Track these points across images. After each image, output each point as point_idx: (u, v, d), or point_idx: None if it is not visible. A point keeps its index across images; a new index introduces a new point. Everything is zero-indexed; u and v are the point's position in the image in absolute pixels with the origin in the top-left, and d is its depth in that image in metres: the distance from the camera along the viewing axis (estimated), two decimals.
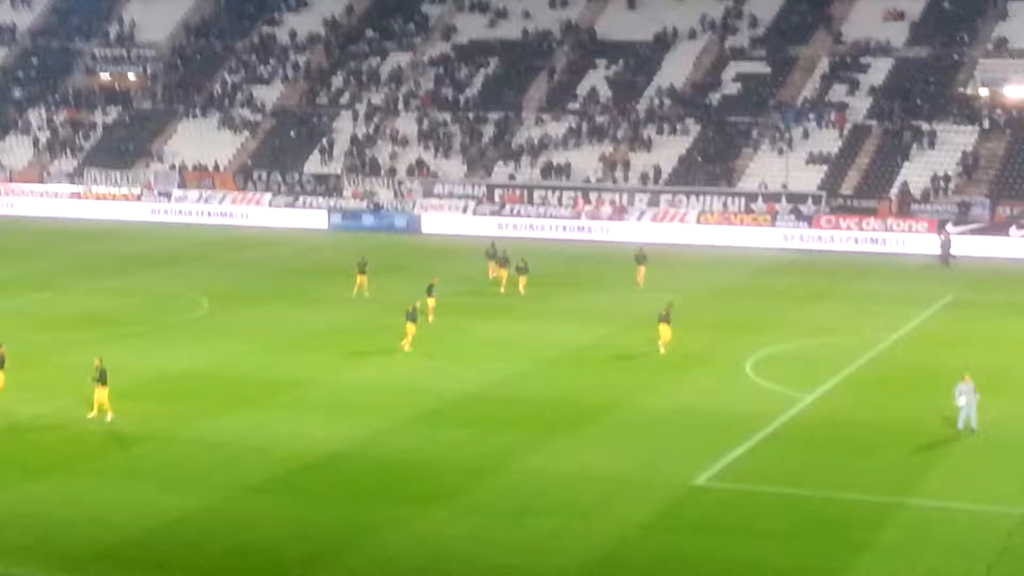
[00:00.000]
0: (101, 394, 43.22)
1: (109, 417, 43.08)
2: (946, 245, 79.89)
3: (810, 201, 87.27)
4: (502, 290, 67.07)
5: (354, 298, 64.25)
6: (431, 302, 59.26)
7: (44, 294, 65.61)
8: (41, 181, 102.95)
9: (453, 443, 41.49)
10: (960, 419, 42.74)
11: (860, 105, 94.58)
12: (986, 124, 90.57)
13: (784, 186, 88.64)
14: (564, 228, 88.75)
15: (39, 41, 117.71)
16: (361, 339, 56.34)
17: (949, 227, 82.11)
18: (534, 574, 31.56)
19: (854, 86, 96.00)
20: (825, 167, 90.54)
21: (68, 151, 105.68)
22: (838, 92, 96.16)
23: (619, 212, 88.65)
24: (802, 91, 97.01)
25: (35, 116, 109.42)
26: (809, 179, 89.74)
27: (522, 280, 66.83)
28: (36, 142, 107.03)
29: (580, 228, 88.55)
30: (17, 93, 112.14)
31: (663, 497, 36.65)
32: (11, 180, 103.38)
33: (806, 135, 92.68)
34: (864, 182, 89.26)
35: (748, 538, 33.71)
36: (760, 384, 49.00)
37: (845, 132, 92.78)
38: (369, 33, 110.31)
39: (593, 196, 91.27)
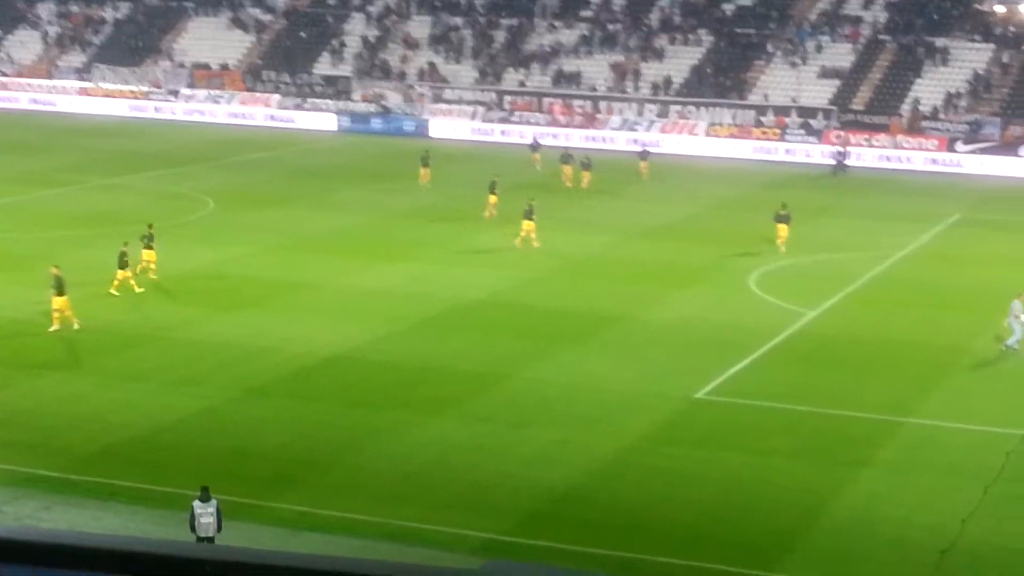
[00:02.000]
0: (60, 303, 42.02)
1: (76, 325, 42.08)
2: (841, 156, 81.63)
3: (821, 115, 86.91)
4: (568, 184, 70.66)
5: (485, 218, 62.33)
6: (492, 199, 61.83)
7: (51, 191, 65.56)
8: (50, 76, 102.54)
9: (458, 350, 41.59)
10: (1013, 338, 42.82)
11: (875, 19, 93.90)
12: (1001, 43, 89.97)
13: (795, 100, 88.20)
14: (571, 137, 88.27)
15: None
16: (368, 244, 56.31)
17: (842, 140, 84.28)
18: (535, 484, 31.74)
19: (869, 0, 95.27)
20: (837, 82, 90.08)
21: (77, 46, 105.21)
22: (853, 6, 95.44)
23: (589, 120, 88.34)
24: (816, 3, 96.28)
25: (44, 10, 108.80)
26: (821, 93, 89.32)
27: (586, 176, 70.70)
28: (45, 36, 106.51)
29: (590, 137, 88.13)
30: None
31: (665, 410, 36.82)
32: (20, 75, 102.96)
33: (819, 49, 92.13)
34: (876, 98, 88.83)
35: (748, 453, 33.86)
36: (764, 299, 49.02)
37: (859, 47, 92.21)
38: None
39: (603, 105, 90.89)
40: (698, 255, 55.54)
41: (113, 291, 46.02)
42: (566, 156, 73.07)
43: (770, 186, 74.56)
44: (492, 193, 62.24)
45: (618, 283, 50.70)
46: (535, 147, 78.01)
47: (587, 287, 49.98)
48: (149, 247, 49.27)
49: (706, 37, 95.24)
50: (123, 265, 46.10)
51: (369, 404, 36.72)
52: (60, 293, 42.21)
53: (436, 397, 37.24)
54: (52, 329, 42.11)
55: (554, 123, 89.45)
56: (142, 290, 46.37)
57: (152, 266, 49.02)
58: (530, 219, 56.07)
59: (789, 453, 34.03)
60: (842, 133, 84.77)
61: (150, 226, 50.73)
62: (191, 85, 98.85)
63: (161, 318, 44.08)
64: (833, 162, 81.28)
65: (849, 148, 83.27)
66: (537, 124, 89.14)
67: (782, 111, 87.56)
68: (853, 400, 37.88)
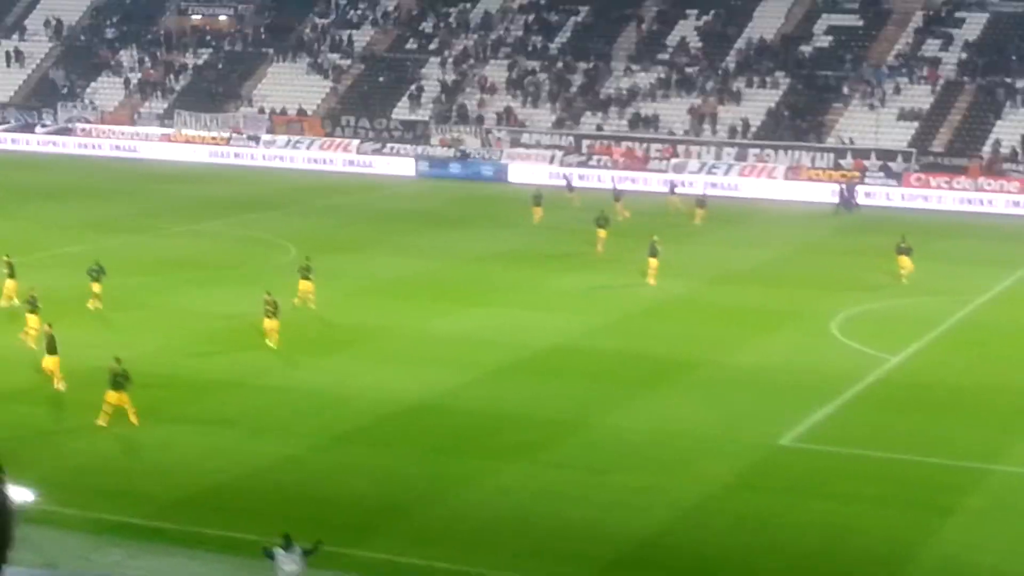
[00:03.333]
0: (50, 362, 41.30)
1: (61, 386, 41.17)
2: (848, 191, 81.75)
3: (900, 158, 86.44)
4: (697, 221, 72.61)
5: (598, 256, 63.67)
6: (602, 234, 63.84)
7: (133, 236, 66.13)
8: (132, 123, 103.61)
9: (537, 396, 41.55)
10: None
11: (953, 60, 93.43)
12: None
13: (874, 142, 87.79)
14: (648, 180, 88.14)
15: None
16: (447, 289, 56.42)
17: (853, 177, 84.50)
18: (616, 531, 31.64)
19: (948, 41, 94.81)
20: (916, 124, 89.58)
21: (159, 93, 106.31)
22: (931, 47, 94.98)
23: (639, 161, 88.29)
24: (895, 45, 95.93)
25: (126, 57, 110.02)
26: (899, 136, 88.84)
27: (700, 212, 72.97)
28: (127, 83, 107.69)
29: (667, 180, 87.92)
30: (109, 33, 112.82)
31: (746, 456, 36.61)
32: (103, 121, 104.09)
33: (897, 90, 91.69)
34: (955, 139, 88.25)
35: (831, 500, 33.63)
36: (846, 344, 48.70)
37: (937, 88, 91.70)
38: None
39: (680, 148, 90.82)
40: (779, 299, 55.30)
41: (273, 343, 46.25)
42: (618, 193, 74.47)
43: (850, 229, 74.18)
44: (601, 228, 64.21)
45: (699, 327, 50.53)
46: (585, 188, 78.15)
47: (668, 331, 49.84)
48: (306, 278, 51.55)
49: (783, 79, 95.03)
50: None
51: (449, 451, 36.74)
52: (52, 352, 41.39)
53: (516, 444, 37.20)
54: (58, 386, 41.24)
55: (621, 166, 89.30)
56: (274, 345, 46.44)
57: (311, 296, 51.24)
58: (655, 256, 57.30)
59: (875, 500, 33.73)
60: (849, 170, 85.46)
61: (307, 257, 52.97)
62: (270, 131, 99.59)
63: (243, 365, 44.30)
64: (836, 200, 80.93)
65: (928, 190, 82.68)
66: (615, 167, 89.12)
67: (861, 154, 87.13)
68: (939, 446, 37.51)
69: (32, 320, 45.77)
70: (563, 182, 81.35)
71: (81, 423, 38.40)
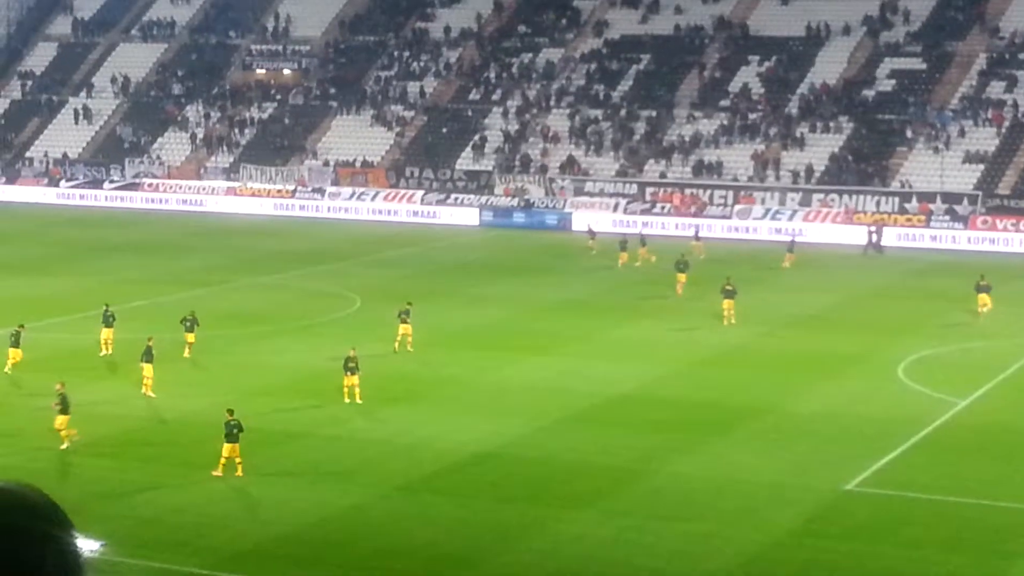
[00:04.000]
0: (61, 421, 40.90)
1: (64, 444, 40.66)
2: (877, 234, 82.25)
3: (966, 201, 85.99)
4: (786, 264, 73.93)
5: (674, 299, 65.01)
6: (682, 277, 65.30)
7: (201, 290, 66.59)
8: (198, 177, 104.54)
9: (602, 445, 41.47)
10: None
11: (1018, 102, 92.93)
12: None
13: (939, 185, 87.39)
14: (712, 227, 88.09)
15: (197, 37, 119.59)
16: (512, 337, 56.51)
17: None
18: None
19: (1012, 83, 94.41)
20: (981, 166, 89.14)
21: (224, 147, 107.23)
22: (996, 89, 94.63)
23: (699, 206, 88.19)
24: (958, 88, 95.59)
25: (192, 112, 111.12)
26: (965, 179, 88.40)
27: (788, 256, 74.47)
28: (193, 138, 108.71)
29: (732, 227, 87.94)
30: (176, 89, 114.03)
31: (813, 503, 36.39)
32: (169, 176, 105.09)
33: (962, 133, 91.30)
34: (1021, 182, 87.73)
35: (899, 546, 33.35)
36: (913, 388, 48.40)
37: (1003, 130, 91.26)
38: (521, 29, 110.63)
39: (745, 195, 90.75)
40: (846, 344, 55.06)
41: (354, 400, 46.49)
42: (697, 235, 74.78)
43: (916, 273, 73.84)
44: (681, 272, 65.60)
45: (764, 373, 50.35)
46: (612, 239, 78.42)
47: (733, 378, 49.68)
48: (405, 321, 53.16)
49: (846, 124, 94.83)
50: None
51: (515, 500, 36.72)
52: (64, 412, 41.14)
53: (582, 492, 37.12)
54: (64, 447, 40.77)
55: (681, 212, 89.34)
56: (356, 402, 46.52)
57: (409, 339, 52.97)
58: (730, 298, 58.56)
59: (943, 545, 33.45)
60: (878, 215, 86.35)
61: (408, 303, 54.32)
62: (335, 183, 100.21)
63: (309, 415, 44.47)
64: (865, 242, 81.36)
65: (994, 233, 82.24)
66: (679, 215, 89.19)
67: (926, 197, 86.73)
68: (1007, 490, 37.17)
69: (147, 369, 46.47)
70: (634, 230, 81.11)
71: (149, 476, 38.63)
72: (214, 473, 37.94)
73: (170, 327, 54.04)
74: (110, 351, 52.08)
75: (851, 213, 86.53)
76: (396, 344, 53.02)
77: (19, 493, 3.92)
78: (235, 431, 37.99)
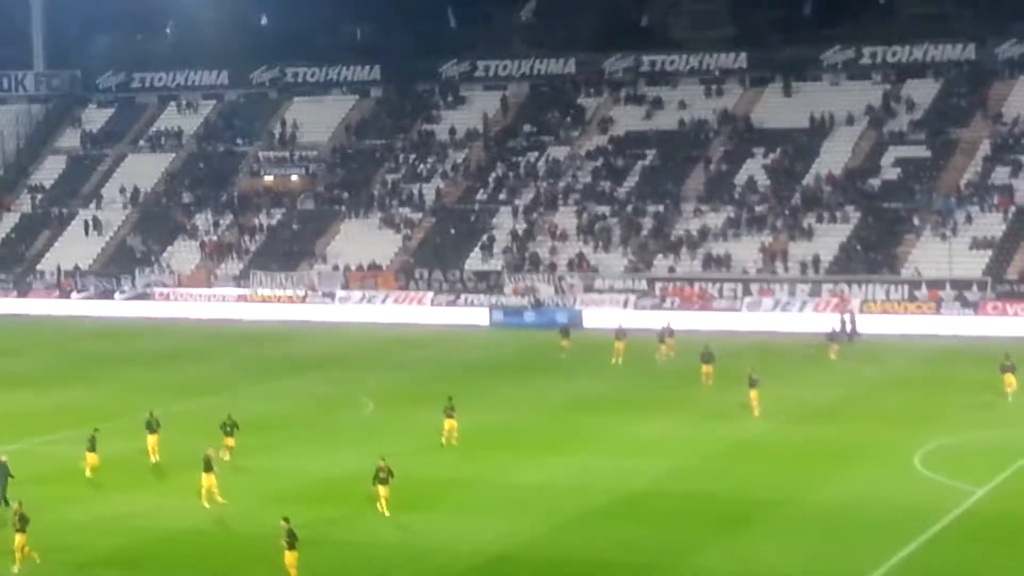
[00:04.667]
0: (21, 540, 39.96)
1: (15, 567, 39.83)
2: (848, 322, 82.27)
3: (975, 287, 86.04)
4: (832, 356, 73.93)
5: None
6: (707, 369, 66.09)
7: (213, 398, 66.55)
8: (209, 284, 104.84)
9: (620, 542, 41.34)
10: None
11: None
12: None
13: (948, 272, 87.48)
14: (721, 319, 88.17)
15: (204, 145, 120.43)
16: (527, 437, 56.48)
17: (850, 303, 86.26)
18: None
19: (1017, 168, 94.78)
20: (989, 252, 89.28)
21: (234, 254, 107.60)
22: (1001, 175, 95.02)
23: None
24: (964, 174, 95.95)
25: (201, 220, 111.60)
26: (973, 265, 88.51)
27: (833, 348, 74.63)
28: (203, 245, 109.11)
29: (742, 320, 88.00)
30: (185, 198, 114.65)
31: None
32: (179, 284, 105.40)
33: (969, 220, 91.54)
34: None
35: None
36: (930, 477, 48.23)
37: (1009, 215, 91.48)
38: (526, 128, 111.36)
39: (754, 287, 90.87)
40: (860, 434, 54.96)
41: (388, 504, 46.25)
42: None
43: (928, 361, 73.79)
44: (707, 364, 66.29)
45: (780, 466, 50.25)
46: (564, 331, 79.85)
47: (748, 472, 49.55)
48: (450, 416, 54.53)
49: (853, 213, 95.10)
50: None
51: None
52: (22, 531, 40.08)
53: None
54: (14, 569, 39.90)
55: (691, 306, 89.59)
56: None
57: (455, 434, 54.18)
58: (754, 388, 59.32)
59: None
60: (846, 295, 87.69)
61: (450, 397, 55.59)
62: (345, 286, 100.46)
63: (321, 522, 44.31)
64: (837, 328, 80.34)
65: (1005, 318, 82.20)
66: (690, 309, 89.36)
67: (936, 284, 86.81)
68: None
69: (208, 479, 46.21)
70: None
71: None
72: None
73: (181, 435, 54.07)
74: (157, 458, 52.15)
75: (846, 301, 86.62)
76: (443, 439, 54.24)
77: None
78: (292, 540, 37.78)
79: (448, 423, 54.65)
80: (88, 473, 50.46)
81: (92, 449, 50.93)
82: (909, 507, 44.13)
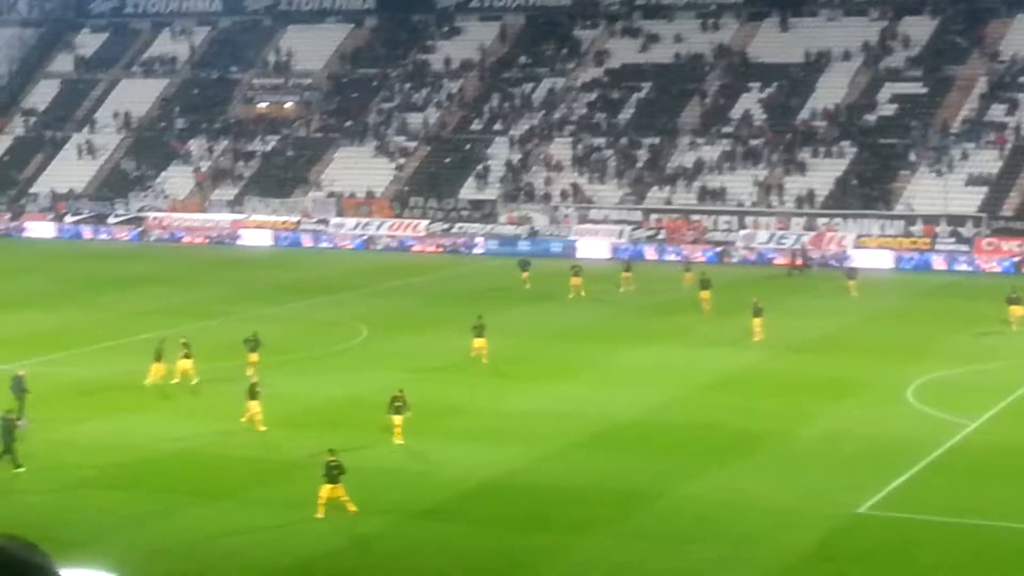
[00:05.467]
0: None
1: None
2: (802, 254, 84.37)
3: (970, 223, 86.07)
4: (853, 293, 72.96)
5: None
6: (706, 295, 67.90)
7: (206, 322, 66.60)
8: (203, 210, 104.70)
9: (612, 469, 41.45)
10: None
11: (1020, 124, 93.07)
12: None
13: (943, 208, 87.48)
14: (718, 251, 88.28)
15: (198, 72, 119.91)
16: (518, 365, 56.52)
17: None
18: None
19: (1013, 106, 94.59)
20: (985, 188, 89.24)
21: (229, 180, 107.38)
22: (997, 112, 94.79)
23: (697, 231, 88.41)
24: (960, 111, 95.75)
25: (196, 146, 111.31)
26: (969, 201, 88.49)
27: (851, 284, 73.51)
28: (197, 171, 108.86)
29: (735, 251, 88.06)
30: (179, 123, 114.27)
31: (825, 526, 36.31)
32: (174, 209, 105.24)
33: (965, 156, 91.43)
34: None
35: (913, 569, 33.32)
36: (922, 410, 48.37)
37: (1005, 152, 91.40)
38: (522, 59, 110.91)
39: (749, 220, 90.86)
40: (854, 368, 55.03)
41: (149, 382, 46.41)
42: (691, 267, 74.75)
43: (922, 295, 73.94)
44: (705, 290, 68.22)
45: (773, 398, 50.33)
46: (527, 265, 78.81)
47: (741, 403, 49.64)
48: (480, 336, 56.27)
49: (849, 149, 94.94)
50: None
51: (526, 527, 36.64)
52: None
53: (593, 518, 37.08)
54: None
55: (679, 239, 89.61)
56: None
57: (484, 352, 55.72)
58: (758, 316, 60.75)
59: (956, 568, 33.40)
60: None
61: (480, 316, 57.55)
62: (339, 214, 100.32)
63: (317, 446, 44.36)
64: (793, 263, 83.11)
65: (999, 255, 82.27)
66: (683, 241, 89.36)
67: (931, 220, 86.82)
68: (1021, 512, 37.09)
69: (253, 406, 46.10)
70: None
71: (159, 506, 38.60)
72: (316, 516, 36.89)
73: (177, 357, 54.11)
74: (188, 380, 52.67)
75: (823, 236, 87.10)
76: (472, 354, 55.90)
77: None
78: (334, 472, 37.13)
79: (477, 342, 56.20)
80: (147, 381, 51.66)
81: (158, 359, 51.90)
82: (901, 439, 44.28)
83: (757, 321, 60.84)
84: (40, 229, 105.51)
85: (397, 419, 44.58)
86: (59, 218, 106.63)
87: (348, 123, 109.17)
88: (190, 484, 40.75)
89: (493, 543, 35.42)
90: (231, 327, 65.10)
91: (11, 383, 47.54)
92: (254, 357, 53.71)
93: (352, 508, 36.90)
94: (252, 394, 46.07)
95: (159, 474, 41.70)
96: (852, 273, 75.26)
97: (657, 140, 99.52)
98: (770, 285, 75.44)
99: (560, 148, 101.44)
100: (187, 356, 52.71)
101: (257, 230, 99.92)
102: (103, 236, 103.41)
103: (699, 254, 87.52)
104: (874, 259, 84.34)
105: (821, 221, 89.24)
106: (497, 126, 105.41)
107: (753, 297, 63.45)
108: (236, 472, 41.83)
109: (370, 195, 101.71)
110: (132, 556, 34.10)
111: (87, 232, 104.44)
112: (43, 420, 45.84)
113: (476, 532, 36.23)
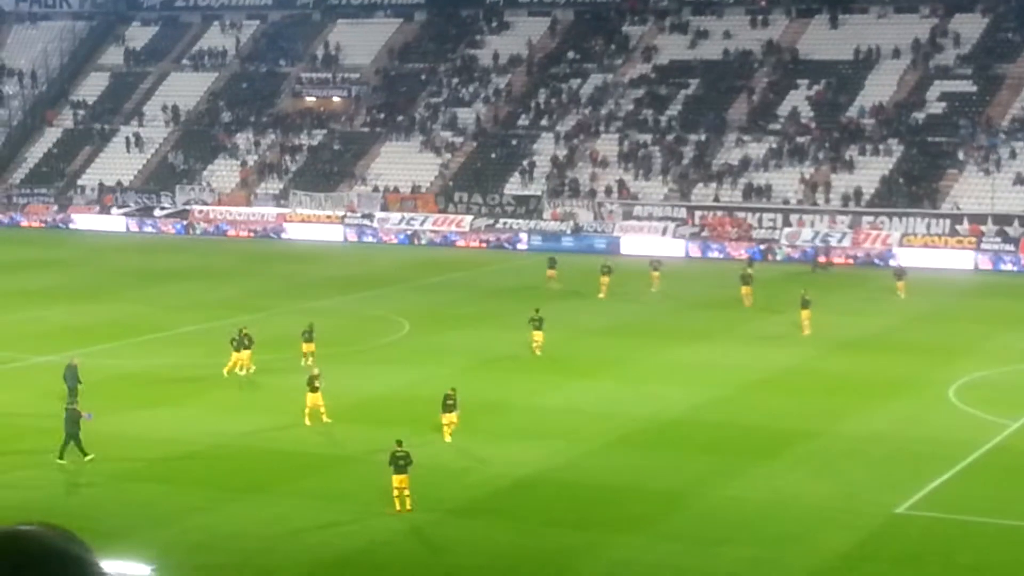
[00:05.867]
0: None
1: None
2: (825, 254, 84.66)
3: (1017, 223, 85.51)
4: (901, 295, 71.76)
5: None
6: (746, 289, 68.85)
7: (250, 316, 66.80)
8: (248, 204, 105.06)
9: (650, 468, 41.40)
10: None
11: None
12: None
13: (990, 207, 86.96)
14: (762, 248, 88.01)
15: (247, 65, 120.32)
16: (560, 362, 56.48)
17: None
18: None
19: None
20: None
21: (275, 174, 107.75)
22: None
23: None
24: (1009, 110, 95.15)
25: (243, 139, 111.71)
26: (1016, 200, 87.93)
27: (900, 285, 72.28)
28: (244, 165, 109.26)
29: (779, 248, 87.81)
30: (226, 117, 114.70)
31: (864, 526, 36.18)
32: (220, 203, 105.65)
33: (1013, 155, 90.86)
34: None
35: (952, 570, 33.16)
36: (965, 410, 48.13)
37: None
38: (570, 55, 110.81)
39: (794, 218, 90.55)
40: (896, 367, 54.79)
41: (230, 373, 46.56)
42: (746, 276, 71.21)
43: (967, 295, 73.54)
44: (746, 285, 69.03)
45: (813, 397, 50.18)
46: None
47: (781, 402, 49.51)
48: (538, 329, 57.64)
49: (896, 147, 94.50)
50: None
51: (564, 524, 36.65)
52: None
53: (630, 516, 37.06)
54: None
55: (726, 236, 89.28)
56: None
57: (539, 344, 57.44)
58: (806, 308, 61.96)
59: (995, 570, 33.24)
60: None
61: (537, 310, 58.70)
62: (384, 208, 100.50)
63: (360, 441, 44.51)
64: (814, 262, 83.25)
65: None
66: (729, 238, 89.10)
67: (977, 219, 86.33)
68: None
69: (313, 398, 46.21)
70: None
71: (199, 500, 38.78)
72: (390, 511, 36.96)
73: (217, 352, 54.35)
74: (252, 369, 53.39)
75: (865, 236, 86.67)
76: (534, 349, 57.43)
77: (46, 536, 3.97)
78: (401, 462, 37.20)
79: (536, 335, 57.54)
80: (225, 372, 52.56)
81: (237, 349, 52.80)
82: (942, 440, 44.08)
83: (805, 314, 61.81)
84: (87, 221, 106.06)
85: (447, 417, 44.37)
86: (106, 210, 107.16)
87: (395, 118, 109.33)
88: (232, 478, 40.92)
89: (532, 540, 35.44)
90: (275, 321, 65.39)
91: (64, 371, 48.04)
92: (311, 347, 54.68)
93: (408, 506, 36.88)
94: (312, 386, 46.07)
95: (201, 466, 41.89)
96: (900, 273, 73.96)
97: (704, 137, 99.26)
98: (816, 282, 75.17)
99: (606, 144, 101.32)
100: (246, 347, 53.09)
101: (302, 224, 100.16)
102: (148, 229, 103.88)
103: (743, 251, 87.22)
104: (919, 258, 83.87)
105: (866, 220, 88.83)
106: (544, 122, 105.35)
107: (801, 290, 64.27)
108: (279, 466, 41.97)
109: (415, 190, 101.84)
110: (171, 549, 34.26)
111: (133, 225, 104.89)
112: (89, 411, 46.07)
113: (514, 529, 36.25)
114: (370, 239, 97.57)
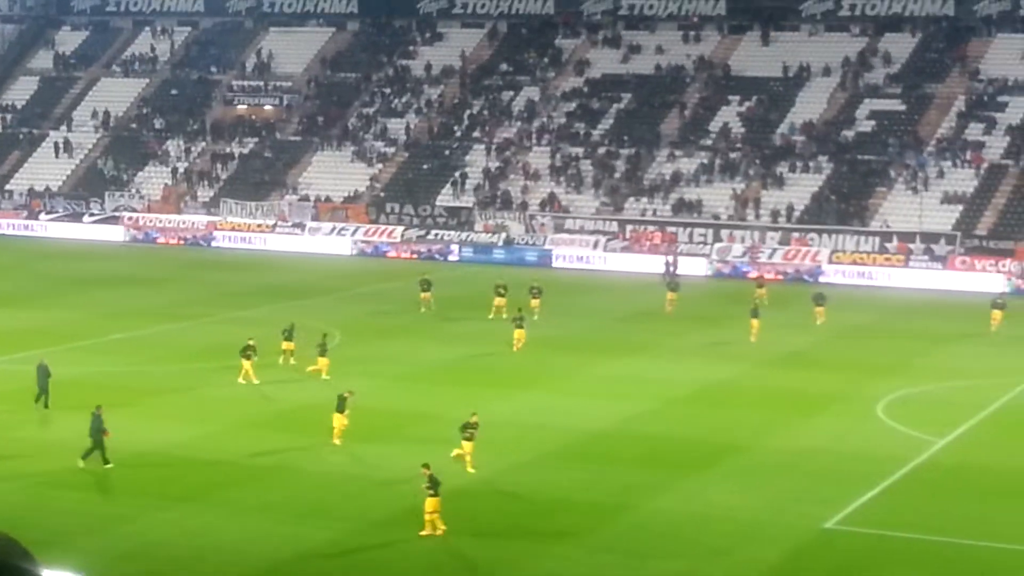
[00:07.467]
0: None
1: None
2: (670, 265, 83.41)
3: (944, 241, 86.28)
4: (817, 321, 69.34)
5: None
6: (671, 296, 70.71)
7: (179, 324, 66.47)
8: (179, 211, 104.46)
9: (581, 481, 41.47)
10: None
11: (997, 144, 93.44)
12: None
13: (918, 225, 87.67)
14: (694, 264, 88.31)
15: (178, 72, 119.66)
16: (491, 374, 56.50)
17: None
18: None
19: (991, 124, 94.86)
20: (960, 207, 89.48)
21: (205, 182, 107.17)
22: (974, 131, 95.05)
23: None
24: (937, 129, 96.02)
25: (173, 146, 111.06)
26: (944, 219, 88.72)
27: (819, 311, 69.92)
28: (174, 172, 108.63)
29: (711, 264, 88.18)
30: (157, 123, 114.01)
31: (793, 540, 36.42)
32: (149, 210, 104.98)
33: (941, 174, 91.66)
34: (1000, 223, 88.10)
35: None
36: (893, 426, 48.50)
37: (981, 172, 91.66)
38: (503, 67, 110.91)
39: (724, 233, 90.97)
40: (825, 383, 55.14)
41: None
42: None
43: (896, 312, 74.03)
44: (672, 291, 71.29)
45: (743, 411, 50.41)
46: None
47: (711, 416, 49.73)
48: (520, 327, 60.62)
49: (826, 164, 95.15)
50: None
51: (494, 535, 36.67)
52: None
53: (560, 528, 37.13)
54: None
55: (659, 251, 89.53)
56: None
57: (523, 341, 60.17)
58: (755, 318, 63.94)
59: None
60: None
61: (520, 309, 62.25)
62: (315, 218, 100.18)
63: (285, 450, 44.35)
64: (662, 271, 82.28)
65: (973, 273, 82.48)
66: (657, 252, 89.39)
67: (906, 237, 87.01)
68: (987, 530, 37.24)
69: (339, 419, 45.48)
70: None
71: (127, 508, 38.49)
72: (422, 533, 36.36)
73: (147, 360, 53.95)
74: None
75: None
76: (515, 346, 60.36)
77: None
78: (432, 487, 36.69)
79: (517, 332, 60.42)
80: (241, 379, 52.90)
81: (247, 358, 53.23)
82: (871, 455, 44.41)
83: (755, 323, 63.82)
84: (14, 227, 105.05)
85: (467, 446, 43.05)
86: (34, 216, 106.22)
87: (327, 127, 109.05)
88: (161, 487, 40.63)
89: (460, 551, 35.45)
90: (205, 330, 65.05)
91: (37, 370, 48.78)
92: (290, 346, 56.52)
93: (435, 529, 36.34)
94: (340, 407, 45.26)
95: (131, 476, 41.57)
96: (820, 299, 70.24)
97: (635, 151, 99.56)
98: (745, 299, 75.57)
99: (538, 157, 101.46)
100: (248, 356, 52.95)
101: (232, 232, 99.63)
102: (77, 235, 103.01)
103: (669, 256, 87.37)
104: (848, 275, 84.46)
105: (795, 236, 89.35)
106: (476, 133, 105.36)
107: (754, 299, 68.18)
108: (207, 475, 41.73)
109: (347, 200, 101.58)
110: (100, 559, 33.97)
111: (61, 231, 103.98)
112: (14, 418, 45.70)
113: (443, 539, 36.17)
114: (301, 248, 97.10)
